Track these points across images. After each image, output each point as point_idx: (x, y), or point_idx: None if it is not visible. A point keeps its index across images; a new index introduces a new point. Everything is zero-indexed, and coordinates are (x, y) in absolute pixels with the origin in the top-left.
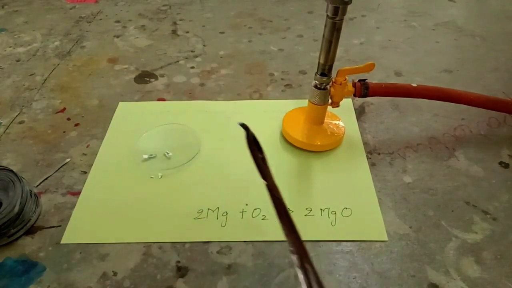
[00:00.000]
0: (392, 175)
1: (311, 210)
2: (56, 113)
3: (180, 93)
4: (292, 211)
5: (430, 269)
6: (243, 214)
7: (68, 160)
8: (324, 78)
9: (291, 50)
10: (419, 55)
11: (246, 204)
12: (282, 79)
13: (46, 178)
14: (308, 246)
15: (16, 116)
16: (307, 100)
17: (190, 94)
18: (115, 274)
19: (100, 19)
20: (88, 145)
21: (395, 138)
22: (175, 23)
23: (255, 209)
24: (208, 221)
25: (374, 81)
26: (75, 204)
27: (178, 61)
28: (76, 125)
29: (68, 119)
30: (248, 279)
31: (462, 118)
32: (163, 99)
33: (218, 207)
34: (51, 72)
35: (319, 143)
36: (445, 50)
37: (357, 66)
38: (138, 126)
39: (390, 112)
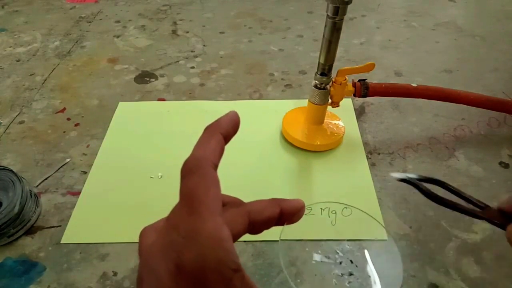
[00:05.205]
0: None
1: (311, 209)
2: (56, 113)
3: (180, 93)
4: None
5: (430, 269)
6: None
7: (68, 160)
8: (324, 78)
9: (291, 50)
10: (419, 55)
11: None
12: (282, 79)
13: (46, 178)
14: (308, 246)
15: (16, 116)
16: (307, 100)
17: (190, 94)
18: (115, 274)
19: (100, 19)
20: (88, 145)
21: (395, 138)
22: (175, 23)
23: None
24: None
25: (374, 81)
26: (75, 204)
27: (178, 61)
28: (76, 125)
29: (68, 119)
30: None
31: (462, 118)
32: (163, 99)
33: None
34: (51, 72)
35: (319, 143)
36: (445, 50)
37: (357, 66)
38: (138, 126)
39: (390, 112)
